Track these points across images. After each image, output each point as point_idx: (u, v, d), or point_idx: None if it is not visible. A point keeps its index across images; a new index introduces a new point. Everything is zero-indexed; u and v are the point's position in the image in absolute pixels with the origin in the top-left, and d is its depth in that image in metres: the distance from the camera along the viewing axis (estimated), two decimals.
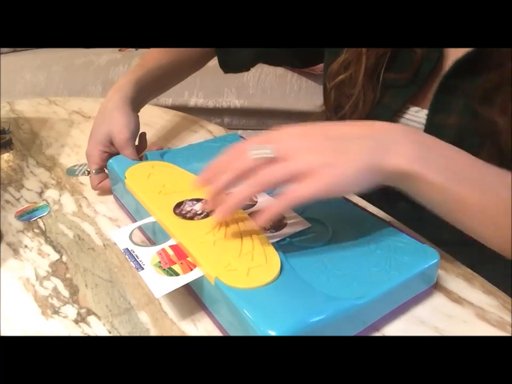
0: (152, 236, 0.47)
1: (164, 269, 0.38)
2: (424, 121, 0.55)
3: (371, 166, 0.36)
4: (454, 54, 0.52)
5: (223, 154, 0.40)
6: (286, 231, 0.41)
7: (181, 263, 0.38)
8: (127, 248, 0.40)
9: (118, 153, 0.57)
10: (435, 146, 0.39)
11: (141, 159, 0.57)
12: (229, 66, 0.77)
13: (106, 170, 0.58)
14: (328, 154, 0.36)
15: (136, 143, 0.60)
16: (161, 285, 0.36)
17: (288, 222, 0.43)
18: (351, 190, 0.38)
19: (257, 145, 0.37)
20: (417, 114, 0.56)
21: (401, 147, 0.37)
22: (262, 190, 0.37)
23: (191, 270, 0.38)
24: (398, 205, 0.50)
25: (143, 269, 0.38)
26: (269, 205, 0.37)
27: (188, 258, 0.39)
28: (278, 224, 0.42)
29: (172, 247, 0.40)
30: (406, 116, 0.57)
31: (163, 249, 0.40)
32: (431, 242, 0.44)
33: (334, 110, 0.62)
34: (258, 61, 0.77)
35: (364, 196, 0.55)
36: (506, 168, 0.40)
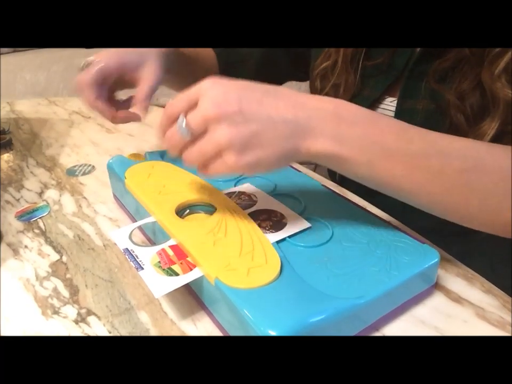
0: (152, 236, 0.47)
1: (164, 269, 0.38)
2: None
3: (287, 153, 0.36)
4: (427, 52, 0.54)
5: (162, 118, 0.40)
6: (286, 231, 0.41)
7: (181, 263, 0.38)
8: (127, 248, 0.40)
9: (122, 83, 0.54)
10: (358, 122, 0.37)
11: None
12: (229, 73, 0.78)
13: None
14: (244, 132, 0.35)
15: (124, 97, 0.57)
16: (161, 285, 0.36)
17: (288, 222, 0.43)
18: (266, 170, 0.37)
19: (181, 117, 0.36)
20: (391, 104, 0.58)
21: (319, 131, 0.36)
22: (191, 166, 0.38)
23: (191, 270, 0.38)
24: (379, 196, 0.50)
25: (142, 269, 0.38)
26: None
27: (188, 258, 0.39)
28: (278, 224, 0.42)
29: (171, 247, 0.40)
30: (382, 106, 0.59)
31: (163, 249, 0.40)
32: (415, 231, 0.46)
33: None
34: (260, 76, 0.76)
35: (350, 188, 0.57)
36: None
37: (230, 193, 0.48)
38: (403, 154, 0.37)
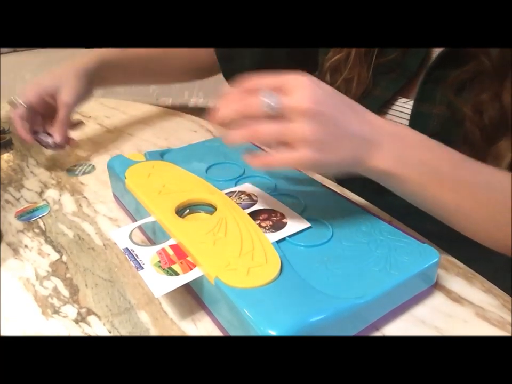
0: (152, 235, 0.47)
1: (164, 269, 0.38)
2: (410, 111, 0.56)
3: (353, 163, 0.38)
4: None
5: (238, 88, 0.39)
6: (286, 230, 0.41)
7: (181, 262, 0.38)
8: (127, 248, 0.40)
9: (49, 107, 0.61)
10: (416, 146, 0.40)
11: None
12: (231, 77, 0.78)
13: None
14: (326, 134, 0.37)
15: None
16: (161, 285, 0.36)
17: (288, 221, 0.43)
18: (329, 172, 0.40)
19: (268, 92, 0.36)
20: (405, 105, 0.57)
21: (383, 149, 0.38)
22: (256, 142, 0.38)
23: (191, 269, 0.38)
24: (384, 197, 0.51)
25: (143, 268, 0.38)
26: (261, 157, 0.37)
27: (188, 258, 0.39)
28: (278, 223, 0.42)
29: (171, 246, 0.40)
30: (395, 107, 0.58)
31: (163, 249, 0.40)
32: (419, 234, 0.45)
33: None
34: (258, 69, 0.77)
35: (350, 188, 0.57)
36: (475, 157, 0.42)
37: (230, 192, 0.48)
38: (455, 181, 0.39)
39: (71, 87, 0.60)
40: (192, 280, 0.37)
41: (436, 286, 0.41)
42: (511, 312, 0.39)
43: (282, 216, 0.44)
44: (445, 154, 0.40)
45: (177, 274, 0.37)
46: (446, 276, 0.43)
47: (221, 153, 0.57)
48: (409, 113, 0.56)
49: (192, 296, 0.41)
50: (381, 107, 0.59)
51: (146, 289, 0.42)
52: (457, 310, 0.39)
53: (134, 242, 0.41)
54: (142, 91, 0.64)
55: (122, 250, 0.40)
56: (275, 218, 0.43)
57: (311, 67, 0.74)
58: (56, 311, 0.41)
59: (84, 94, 0.62)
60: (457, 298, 0.40)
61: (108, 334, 0.38)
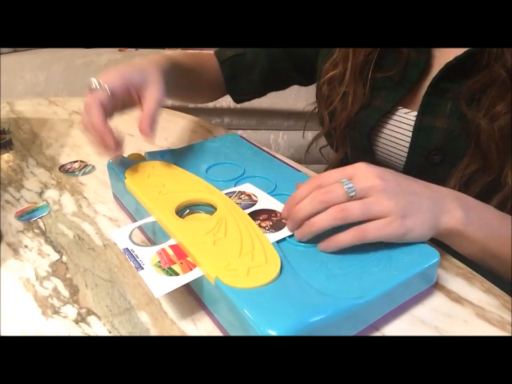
0: (152, 235, 0.47)
1: (164, 269, 0.38)
2: (412, 122, 0.55)
3: (433, 225, 0.41)
4: (444, 56, 0.53)
5: (308, 184, 0.42)
6: (286, 230, 0.41)
7: (181, 263, 0.38)
8: (127, 248, 0.40)
9: (129, 101, 0.52)
10: (473, 207, 0.43)
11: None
12: (238, 94, 0.78)
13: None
14: (403, 201, 0.40)
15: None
16: (161, 285, 0.36)
17: None
18: (412, 241, 0.40)
19: (346, 180, 0.40)
20: (406, 116, 0.56)
21: (452, 209, 0.41)
22: (342, 223, 0.39)
23: (191, 269, 0.38)
24: None
25: (143, 268, 0.38)
26: (337, 237, 0.39)
27: (188, 258, 0.39)
28: (277, 224, 0.42)
29: (171, 247, 0.40)
30: (395, 117, 0.58)
31: (163, 249, 0.40)
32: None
33: (326, 105, 0.63)
34: (265, 84, 0.77)
35: None
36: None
37: (230, 193, 0.48)
38: (504, 237, 0.43)
39: (159, 82, 0.53)
40: (192, 281, 0.37)
41: (436, 286, 0.41)
42: (511, 312, 0.39)
43: (282, 216, 0.44)
44: (493, 213, 0.45)
45: (177, 274, 0.37)
46: (446, 275, 0.43)
47: (221, 153, 0.57)
48: (411, 124, 0.55)
49: (192, 296, 0.41)
50: (381, 117, 0.58)
51: (146, 290, 0.42)
52: (457, 310, 0.39)
53: (134, 243, 0.41)
54: None
55: (122, 251, 0.40)
56: (275, 219, 0.43)
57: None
58: (56, 311, 0.41)
59: (165, 92, 0.54)
60: (457, 298, 0.40)
61: (108, 334, 0.38)
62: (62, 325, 0.39)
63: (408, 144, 0.56)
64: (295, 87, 0.83)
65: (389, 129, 0.59)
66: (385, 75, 0.57)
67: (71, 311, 0.41)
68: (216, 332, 0.38)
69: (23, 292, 0.43)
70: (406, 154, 0.57)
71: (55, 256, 0.47)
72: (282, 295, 0.34)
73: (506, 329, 0.37)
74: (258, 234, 0.40)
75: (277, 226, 0.42)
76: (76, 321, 0.39)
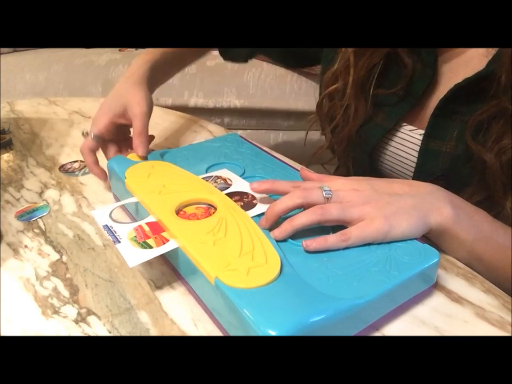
0: (135, 215, 0.49)
1: (139, 243, 0.41)
2: (417, 142, 0.54)
3: (422, 221, 0.40)
4: (450, 73, 0.52)
5: (288, 183, 0.44)
6: (256, 210, 0.44)
7: (155, 237, 0.41)
8: (106, 225, 0.43)
9: (125, 125, 0.59)
10: (462, 207, 0.43)
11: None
12: (227, 54, 0.79)
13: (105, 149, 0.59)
14: (382, 206, 0.40)
15: None
16: (135, 256, 0.39)
17: (258, 203, 0.46)
18: (401, 238, 0.40)
19: (323, 184, 0.42)
20: (411, 134, 0.55)
21: (441, 207, 0.41)
22: (320, 220, 0.40)
23: (164, 243, 0.40)
24: None
25: (119, 242, 0.40)
26: (324, 237, 0.40)
27: (162, 233, 0.42)
28: (248, 204, 0.46)
29: (148, 223, 0.43)
30: (400, 134, 0.56)
31: (139, 226, 0.43)
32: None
33: (327, 120, 0.62)
34: (256, 52, 0.78)
35: None
36: (493, 201, 0.47)
37: (207, 177, 0.51)
38: (493, 240, 0.43)
39: (139, 98, 0.57)
40: (192, 281, 0.37)
41: (436, 286, 0.41)
42: (511, 312, 0.39)
43: (253, 197, 0.46)
44: (483, 215, 0.44)
45: (151, 247, 0.40)
46: (446, 276, 0.43)
47: (221, 153, 0.57)
48: (416, 143, 0.54)
49: (192, 297, 0.41)
50: (384, 135, 0.57)
51: (146, 290, 0.43)
52: (457, 310, 0.39)
53: (113, 220, 0.43)
54: None
55: (102, 227, 0.43)
56: (246, 199, 0.46)
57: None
58: (56, 311, 0.41)
59: (151, 101, 0.59)
60: (457, 299, 0.40)
61: (108, 334, 0.38)
62: (62, 325, 0.39)
63: (414, 164, 0.55)
64: (295, 87, 0.83)
65: (394, 147, 0.57)
66: (388, 92, 0.55)
67: (71, 311, 0.41)
68: (216, 332, 0.38)
69: (23, 292, 0.43)
70: (412, 174, 0.56)
71: (55, 256, 0.47)
72: (282, 295, 0.34)
73: (506, 329, 0.37)
74: (259, 234, 0.40)
75: (247, 206, 0.45)
76: (76, 321, 0.39)
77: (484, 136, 0.48)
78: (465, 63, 0.51)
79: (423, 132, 0.54)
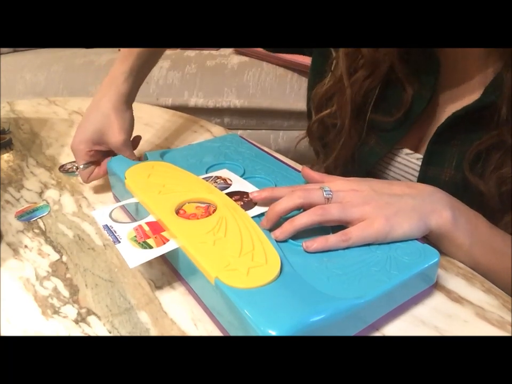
0: (135, 215, 0.49)
1: (139, 243, 0.40)
2: (414, 166, 0.54)
3: (422, 222, 0.40)
4: (449, 98, 0.51)
5: (289, 187, 0.44)
6: (256, 210, 0.44)
7: (155, 237, 0.41)
8: (106, 225, 0.43)
9: (108, 150, 0.58)
10: (461, 210, 0.43)
11: (139, 159, 0.57)
12: None
13: (98, 164, 0.59)
14: (382, 206, 0.40)
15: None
16: (135, 256, 0.39)
17: (258, 203, 0.45)
18: (402, 239, 0.40)
19: (323, 185, 0.42)
20: (408, 158, 0.54)
21: (440, 209, 0.41)
22: (321, 221, 0.40)
23: (164, 243, 0.40)
24: None
25: (119, 242, 0.40)
26: (325, 237, 0.40)
27: (162, 233, 0.41)
28: (248, 204, 0.46)
29: (148, 223, 0.43)
30: (396, 158, 0.55)
31: (139, 225, 0.43)
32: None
33: (319, 143, 0.61)
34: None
35: None
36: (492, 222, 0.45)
37: (207, 177, 0.50)
38: (490, 245, 0.43)
39: (116, 126, 0.55)
40: (192, 280, 0.37)
41: (436, 286, 0.41)
42: (511, 312, 0.39)
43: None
44: (482, 220, 0.44)
45: (151, 247, 0.40)
46: (446, 276, 0.43)
47: (221, 153, 0.57)
48: (414, 168, 0.53)
49: (192, 297, 0.41)
50: (378, 160, 0.56)
51: (146, 290, 0.43)
52: (457, 310, 0.39)
53: (113, 220, 0.43)
54: (142, 91, 0.63)
55: (102, 227, 0.43)
56: (246, 199, 0.46)
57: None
58: (56, 311, 0.41)
59: (130, 120, 0.58)
60: (457, 298, 0.40)
61: (108, 334, 0.38)
62: (62, 325, 0.39)
63: None
64: (295, 87, 0.83)
65: (391, 170, 0.57)
66: (385, 119, 0.53)
67: (71, 311, 0.41)
68: (216, 332, 0.38)
69: (23, 292, 0.43)
70: None
71: (55, 256, 0.47)
72: (282, 295, 0.34)
73: (506, 329, 0.37)
74: (259, 234, 0.40)
75: (247, 206, 0.45)
76: (76, 321, 0.39)
77: (482, 166, 0.47)
78: (464, 87, 0.50)
79: (420, 156, 0.53)
